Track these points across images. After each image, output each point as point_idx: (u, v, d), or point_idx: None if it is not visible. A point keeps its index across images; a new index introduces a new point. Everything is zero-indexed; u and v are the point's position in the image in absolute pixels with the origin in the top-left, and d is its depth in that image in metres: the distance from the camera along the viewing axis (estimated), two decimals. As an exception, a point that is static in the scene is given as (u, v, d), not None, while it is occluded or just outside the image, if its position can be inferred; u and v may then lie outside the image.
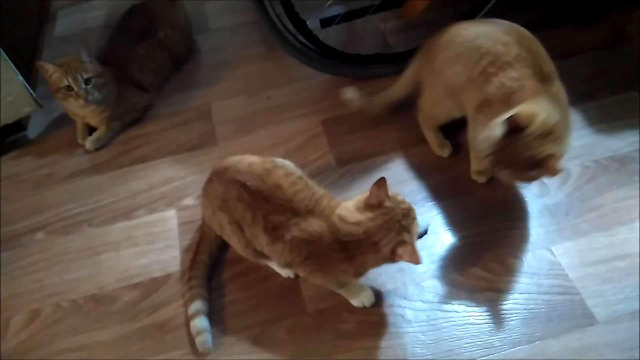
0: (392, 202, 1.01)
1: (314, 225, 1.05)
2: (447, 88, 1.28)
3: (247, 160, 1.16)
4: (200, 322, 1.16)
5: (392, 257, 1.00)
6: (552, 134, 1.05)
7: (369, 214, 1.01)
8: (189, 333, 1.18)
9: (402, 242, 0.99)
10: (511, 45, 1.17)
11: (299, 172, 1.16)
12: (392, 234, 0.99)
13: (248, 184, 1.11)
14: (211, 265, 1.27)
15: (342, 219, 1.02)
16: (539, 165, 1.04)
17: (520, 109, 1.07)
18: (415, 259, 0.98)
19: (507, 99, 1.13)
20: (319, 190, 1.12)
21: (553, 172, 1.03)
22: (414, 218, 1.03)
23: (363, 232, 1.00)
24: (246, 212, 1.11)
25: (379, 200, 1.00)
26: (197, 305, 1.18)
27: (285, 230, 1.07)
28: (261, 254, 1.17)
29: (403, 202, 1.03)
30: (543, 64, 1.16)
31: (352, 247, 1.02)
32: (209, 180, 1.20)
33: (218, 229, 1.22)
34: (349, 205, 1.05)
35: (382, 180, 1.00)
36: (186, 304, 1.21)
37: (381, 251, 1.00)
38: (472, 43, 1.22)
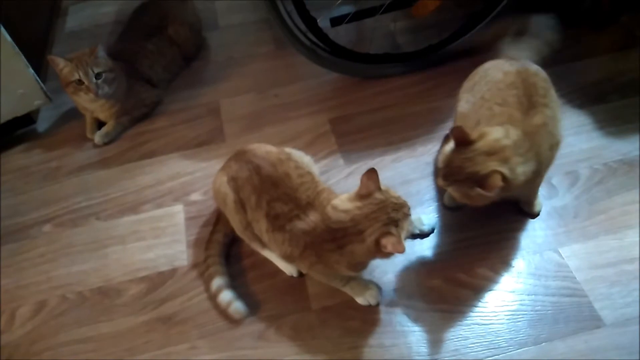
0: (384, 194, 1.02)
1: (311, 216, 1.07)
2: (459, 115, 1.27)
3: (266, 148, 1.22)
4: (226, 295, 1.19)
5: (377, 248, 0.99)
6: (499, 153, 1.04)
7: (358, 203, 1.02)
8: (194, 326, 1.19)
9: (387, 233, 0.99)
10: (509, 74, 1.19)
11: (311, 167, 1.21)
12: (378, 224, 0.99)
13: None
14: (227, 243, 1.30)
15: (334, 208, 1.04)
16: (481, 182, 1.03)
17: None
18: (398, 249, 0.97)
19: (489, 122, 1.14)
20: (323, 185, 1.15)
21: (490, 188, 1.01)
22: (407, 215, 1.03)
23: (350, 220, 1.01)
24: (252, 194, 1.15)
25: (369, 190, 1.02)
26: (218, 281, 1.21)
27: (287, 221, 1.09)
28: (258, 239, 1.20)
29: (397, 197, 1.04)
30: (537, 97, 1.15)
31: (340, 236, 1.02)
32: (228, 159, 1.25)
33: (222, 205, 1.24)
34: (344, 196, 1.06)
35: (372, 171, 1.01)
36: (207, 283, 1.24)
37: (366, 241, 1.00)
38: (485, 72, 1.25)
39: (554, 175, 1.35)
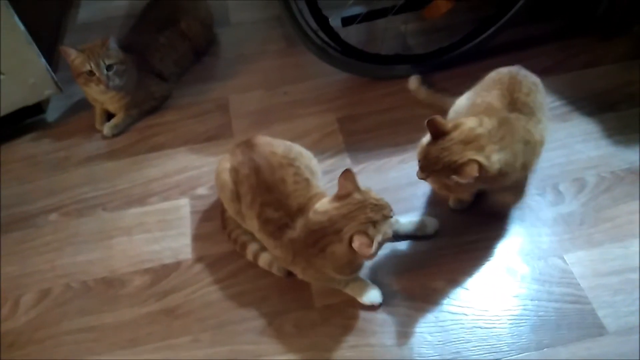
0: (363, 195, 1.03)
1: (298, 223, 1.08)
2: (453, 108, 1.32)
3: (272, 148, 1.21)
4: (265, 257, 1.24)
5: (350, 248, 0.99)
6: (475, 142, 1.07)
7: (336, 204, 1.03)
8: (197, 320, 1.19)
9: (361, 232, 0.98)
10: (502, 72, 1.25)
11: (314, 170, 1.23)
12: (354, 223, 1.00)
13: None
14: None
15: (314, 211, 1.05)
16: (459, 171, 1.05)
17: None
18: (365, 251, 0.97)
19: (468, 112, 1.19)
20: (318, 189, 1.15)
21: (466, 175, 1.03)
22: (387, 216, 1.03)
23: (327, 220, 1.02)
24: (248, 193, 1.16)
25: (347, 191, 1.02)
26: (252, 247, 1.26)
27: (276, 229, 1.12)
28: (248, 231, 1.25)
29: (378, 199, 1.04)
30: (519, 94, 1.18)
31: (320, 237, 1.03)
32: (237, 145, 1.25)
33: (219, 188, 1.26)
34: (325, 199, 1.07)
35: (348, 171, 1.03)
36: (242, 252, 1.28)
37: (343, 240, 1.00)
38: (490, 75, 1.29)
39: (561, 182, 1.35)
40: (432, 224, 1.29)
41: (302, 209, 1.09)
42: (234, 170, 1.21)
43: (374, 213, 1.01)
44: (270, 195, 1.13)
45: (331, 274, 1.09)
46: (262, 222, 1.14)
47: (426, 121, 1.09)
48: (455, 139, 1.08)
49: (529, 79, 1.23)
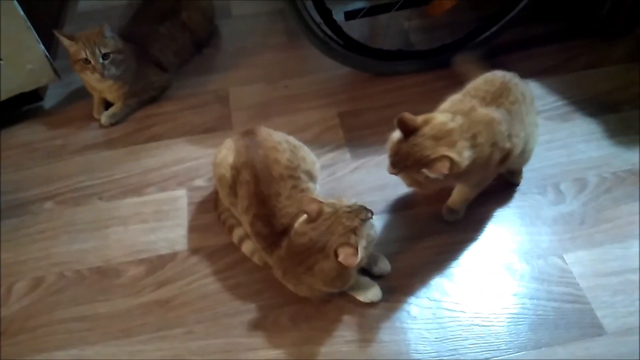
0: (333, 206, 1.04)
1: (284, 243, 1.09)
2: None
3: (276, 154, 1.18)
4: (249, 244, 1.24)
5: (337, 260, 1.00)
6: (447, 137, 1.06)
7: (312, 224, 1.04)
8: (192, 311, 1.18)
9: (344, 244, 0.99)
10: (495, 76, 1.22)
11: (313, 178, 1.23)
12: (335, 237, 1.01)
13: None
14: None
15: (295, 232, 1.06)
16: (430, 166, 1.04)
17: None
18: (351, 261, 0.98)
19: (450, 108, 1.17)
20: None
21: (437, 171, 1.03)
22: (364, 220, 1.03)
23: (309, 241, 1.03)
24: (245, 198, 1.16)
25: (315, 211, 1.03)
26: (238, 232, 1.26)
27: (265, 245, 1.14)
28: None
29: (351, 205, 1.04)
30: (504, 100, 1.15)
31: (306, 257, 1.04)
32: (244, 135, 1.24)
33: (216, 177, 1.27)
34: (301, 219, 1.07)
35: (306, 199, 1.05)
36: (229, 234, 1.29)
37: (330, 255, 1.01)
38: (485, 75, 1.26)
39: (562, 181, 1.35)
40: (384, 265, 1.21)
41: (286, 230, 1.10)
42: (235, 169, 1.19)
43: (350, 220, 1.01)
44: (263, 208, 1.14)
45: (323, 289, 1.10)
46: (254, 234, 1.16)
47: (395, 119, 1.07)
48: (426, 134, 1.07)
49: (519, 89, 1.20)
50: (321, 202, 1.04)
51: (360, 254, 0.98)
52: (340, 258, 0.98)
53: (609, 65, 1.66)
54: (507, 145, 1.13)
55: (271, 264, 1.16)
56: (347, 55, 1.63)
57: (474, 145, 1.08)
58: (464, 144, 1.06)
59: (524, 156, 1.25)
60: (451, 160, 1.04)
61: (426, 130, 1.07)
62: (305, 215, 1.06)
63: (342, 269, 1.03)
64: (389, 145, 1.14)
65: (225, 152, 1.24)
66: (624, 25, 1.74)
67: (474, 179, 1.19)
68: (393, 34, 1.82)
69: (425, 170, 1.04)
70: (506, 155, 1.15)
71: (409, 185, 1.15)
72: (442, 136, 1.06)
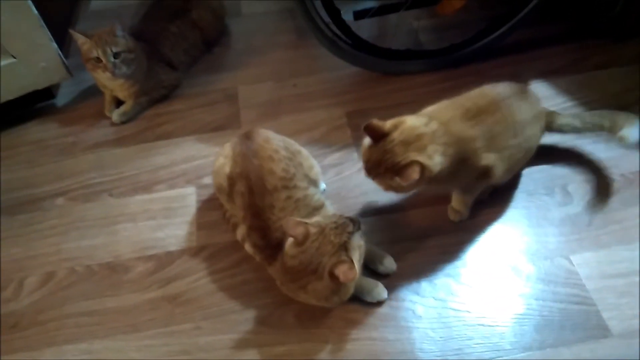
0: (319, 225, 1.02)
1: (279, 257, 1.09)
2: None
3: (271, 165, 1.16)
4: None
5: (336, 281, 0.99)
6: (417, 142, 1.05)
7: (301, 247, 1.02)
8: (199, 308, 1.20)
9: (338, 263, 0.98)
10: (497, 87, 1.22)
11: (312, 182, 1.23)
12: (326, 257, 1.00)
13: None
14: None
15: (286, 254, 1.05)
16: (401, 173, 1.03)
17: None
18: (350, 276, 0.97)
19: (432, 112, 1.18)
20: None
21: (407, 178, 1.02)
22: (352, 232, 1.02)
23: (299, 264, 1.03)
24: (241, 209, 1.17)
25: (302, 234, 1.02)
26: (242, 230, 1.24)
27: (262, 257, 1.15)
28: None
29: (336, 219, 1.03)
30: (487, 116, 1.14)
31: (298, 278, 1.05)
32: (242, 139, 1.23)
33: (215, 186, 1.29)
34: (290, 241, 1.06)
35: (291, 222, 1.02)
36: (233, 231, 1.29)
37: (323, 277, 1.01)
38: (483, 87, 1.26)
39: (570, 183, 1.34)
40: (390, 264, 1.22)
41: (281, 244, 1.09)
42: (231, 179, 1.19)
43: (339, 237, 1.01)
44: (257, 221, 1.13)
45: (322, 303, 1.11)
46: (251, 245, 1.17)
47: (363, 127, 1.06)
48: (395, 139, 1.05)
49: (513, 107, 1.18)
50: (306, 223, 1.02)
51: (357, 267, 0.98)
52: (341, 278, 0.97)
53: (620, 66, 1.65)
54: (483, 162, 1.13)
55: (270, 273, 1.17)
56: (355, 54, 1.64)
57: (444, 154, 1.07)
58: (435, 148, 1.05)
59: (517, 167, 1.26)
60: (421, 164, 1.02)
61: (395, 135, 1.06)
62: (289, 241, 1.05)
63: (338, 287, 1.04)
64: (362, 151, 1.13)
65: (223, 160, 1.24)
66: (635, 26, 1.73)
67: (451, 186, 1.19)
68: (402, 34, 1.83)
69: (397, 179, 1.04)
70: (486, 172, 1.14)
71: (386, 190, 1.13)
72: (412, 141, 1.05)
